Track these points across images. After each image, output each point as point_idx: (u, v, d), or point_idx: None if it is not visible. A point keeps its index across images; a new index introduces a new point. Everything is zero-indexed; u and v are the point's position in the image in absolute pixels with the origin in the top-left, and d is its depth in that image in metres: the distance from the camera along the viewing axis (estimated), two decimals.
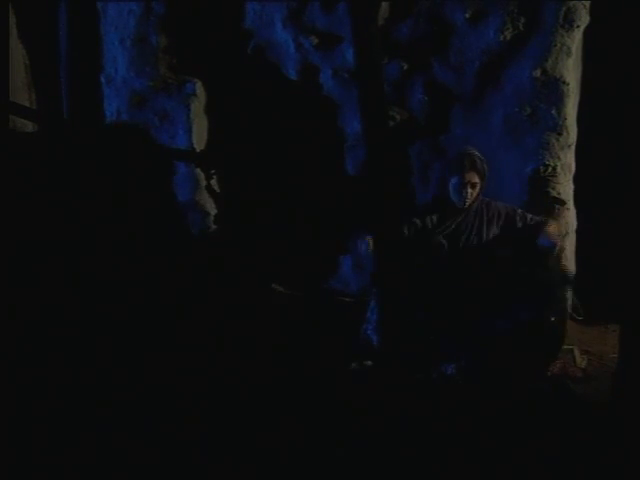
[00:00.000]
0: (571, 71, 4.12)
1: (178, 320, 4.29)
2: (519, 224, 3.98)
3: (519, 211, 4.00)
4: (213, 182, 4.85)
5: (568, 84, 4.09)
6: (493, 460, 3.10)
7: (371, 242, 3.85)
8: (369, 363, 3.87)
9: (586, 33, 4.12)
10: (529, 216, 3.99)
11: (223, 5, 4.61)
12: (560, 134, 4.15)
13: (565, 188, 4.26)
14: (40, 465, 3.07)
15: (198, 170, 4.82)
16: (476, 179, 3.90)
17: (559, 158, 4.18)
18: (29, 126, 5.01)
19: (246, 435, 3.26)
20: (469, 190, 3.91)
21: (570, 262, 4.41)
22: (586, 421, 3.37)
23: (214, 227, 4.85)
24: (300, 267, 4.64)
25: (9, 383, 3.51)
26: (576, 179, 4.31)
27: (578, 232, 4.39)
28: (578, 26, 4.02)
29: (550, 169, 4.19)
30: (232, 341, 4.20)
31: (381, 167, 2.65)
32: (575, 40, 4.06)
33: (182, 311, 4.37)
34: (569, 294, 4.30)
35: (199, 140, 4.80)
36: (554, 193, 4.23)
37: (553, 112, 4.12)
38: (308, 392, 3.79)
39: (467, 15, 4.16)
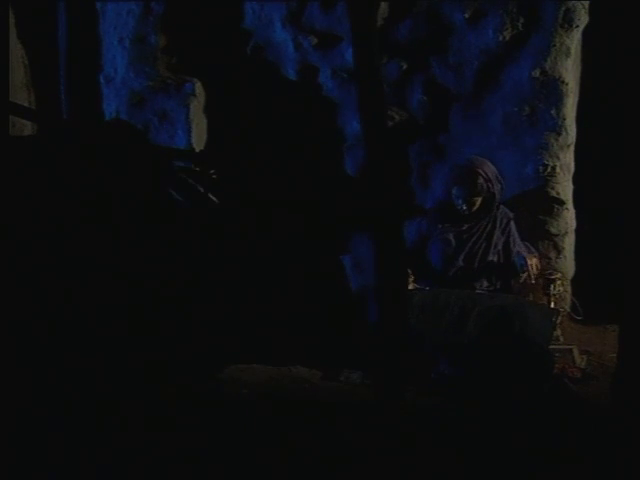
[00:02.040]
0: (570, 71, 4.12)
1: (177, 319, 4.28)
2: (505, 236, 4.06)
3: (512, 224, 4.07)
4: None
5: (567, 84, 4.10)
6: (493, 460, 3.10)
7: None
8: (358, 374, 3.89)
9: (585, 33, 4.13)
10: (515, 234, 4.08)
11: (222, 5, 4.61)
12: (559, 134, 4.15)
13: (564, 188, 4.26)
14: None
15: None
16: (475, 198, 3.93)
17: (558, 158, 4.19)
18: (28, 126, 5.00)
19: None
20: (465, 205, 3.95)
21: (570, 262, 4.41)
22: (585, 421, 3.37)
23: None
24: (300, 267, 4.64)
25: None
26: (575, 179, 4.32)
27: (577, 232, 4.39)
28: (577, 26, 4.02)
29: (549, 169, 4.19)
30: (231, 341, 4.20)
31: (380, 167, 2.65)
32: (574, 40, 4.06)
33: (182, 310, 4.37)
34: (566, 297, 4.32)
35: (198, 140, 4.80)
36: (553, 193, 4.23)
37: (552, 112, 4.12)
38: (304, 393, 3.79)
39: (466, 15, 4.16)
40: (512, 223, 4.08)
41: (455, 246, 4.03)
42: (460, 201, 3.96)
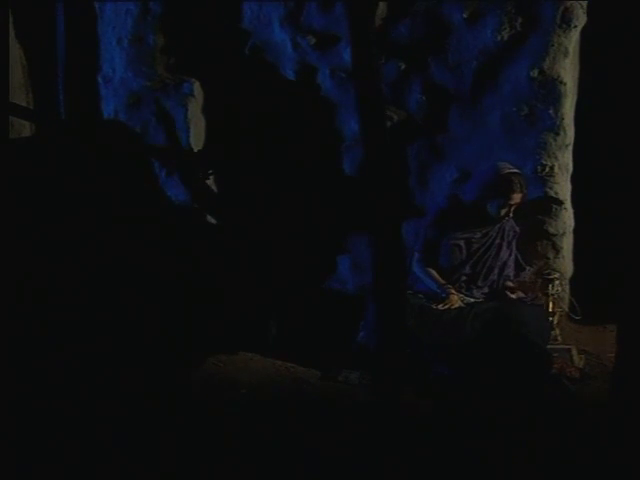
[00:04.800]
0: (568, 71, 4.12)
1: (177, 319, 4.29)
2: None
3: (515, 239, 4.12)
4: (211, 182, 4.85)
5: (565, 84, 4.10)
6: (492, 460, 3.10)
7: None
8: (357, 374, 3.90)
9: (583, 33, 4.13)
10: (513, 247, 4.13)
11: (220, 5, 4.61)
12: (557, 134, 4.15)
13: (563, 188, 4.26)
14: None
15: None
16: (519, 199, 3.95)
17: (556, 158, 4.19)
18: (27, 127, 5.00)
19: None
20: (506, 210, 3.98)
21: (568, 262, 4.42)
22: (584, 421, 3.38)
23: (212, 227, 4.84)
24: (299, 267, 4.64)
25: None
26: (573, 179, 4.32)
27: (575, 232, 4.39)
28: (575, 26, 4.02)
29: (547, 169, 4.19)
30: (231, 340, 4.20)
31: (379, 167, 2.65)
32: (572, 40, 4.06)
33: (181, 310, 4.37)
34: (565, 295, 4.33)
35: (197, 140, 4.79)
36: (552, 193, 4.23)
37: (550, 112, 4.12)
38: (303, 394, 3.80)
39: (465, 15, 4.16)
40: (516, 238, 4.12)
41: (465, 254, 4.05)
42: (504, 207, 3.96)
